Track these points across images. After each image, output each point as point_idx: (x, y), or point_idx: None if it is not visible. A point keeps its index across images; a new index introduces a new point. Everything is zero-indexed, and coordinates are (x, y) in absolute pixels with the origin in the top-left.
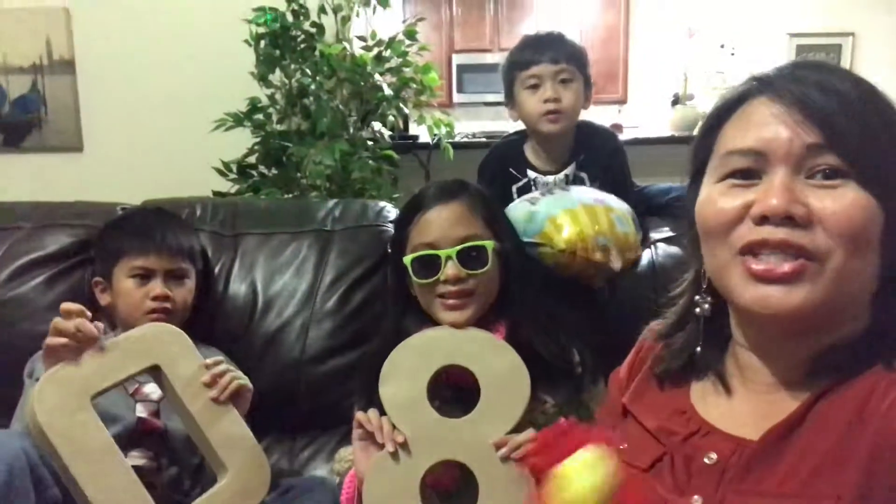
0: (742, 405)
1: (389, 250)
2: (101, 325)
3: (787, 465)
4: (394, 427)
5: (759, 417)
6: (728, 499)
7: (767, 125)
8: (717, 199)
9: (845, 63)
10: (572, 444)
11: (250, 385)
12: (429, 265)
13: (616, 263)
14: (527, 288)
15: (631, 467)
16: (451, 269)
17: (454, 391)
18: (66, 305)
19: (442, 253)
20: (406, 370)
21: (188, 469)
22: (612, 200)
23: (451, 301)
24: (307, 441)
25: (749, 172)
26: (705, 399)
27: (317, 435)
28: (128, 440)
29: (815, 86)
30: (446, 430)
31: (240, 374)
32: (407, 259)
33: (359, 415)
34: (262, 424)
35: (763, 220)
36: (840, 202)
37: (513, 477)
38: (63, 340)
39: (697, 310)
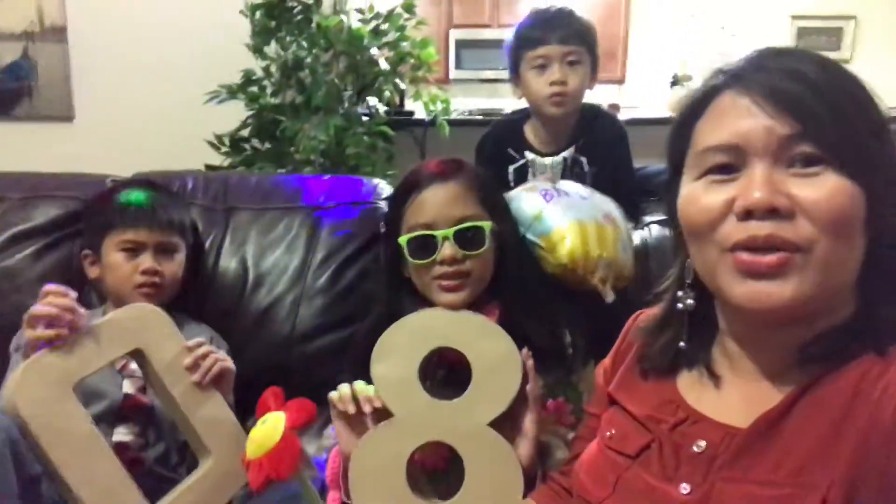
0: (731, 394)
1: (383, 230)
2: (83, 316)
3: (778, 452)
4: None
5: (748, 405)
6: (717, 487)
7: (741, 118)
8: (698, 196)
9: (846, 46)
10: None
11: (233, 367)
12: (425, 246)
13: (609, 296)
14: (521, 270)
15: (618, 454)
16: (447, 249)
17: (447, 371)
18: (48, 288)
19: (439, 233)
20: (399, 350)
21: (175, 445)
22: (621, 217)
23: (446, 283)
24: None
25: (728, 167)
26: (693, 388)
27: None
28: (115, 416)
29: (784, 73)
30: (436, 411)
31: (223, 355)
32: (402, 239)
33: (330, 395)
34: (251, 401)
35: (747, 214)
36: (821, 190)
37: (500, 460)
38: (39, 333)
39: (681, 305)
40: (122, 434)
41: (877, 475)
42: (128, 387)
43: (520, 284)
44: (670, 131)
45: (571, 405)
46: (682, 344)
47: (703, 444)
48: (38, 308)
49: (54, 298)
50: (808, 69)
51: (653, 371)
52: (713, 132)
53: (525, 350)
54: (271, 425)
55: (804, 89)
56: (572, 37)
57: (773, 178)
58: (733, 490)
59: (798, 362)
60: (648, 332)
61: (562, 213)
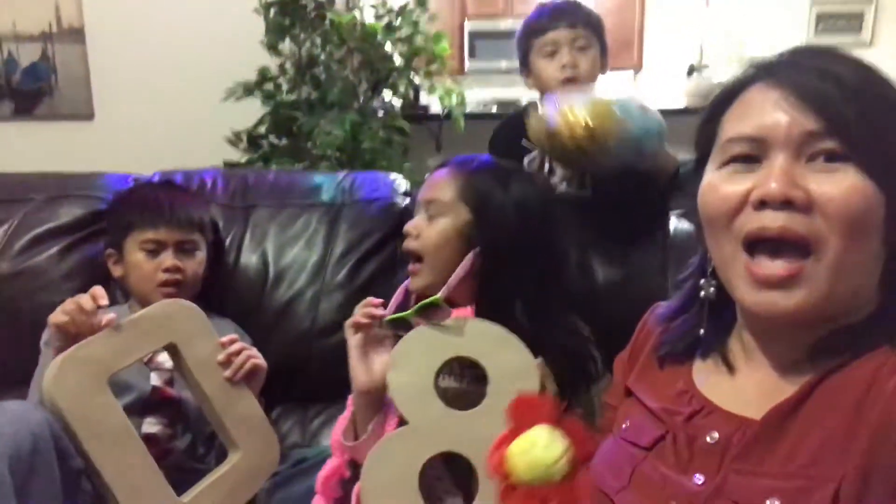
0: (745, 384)
1: None
2: (112, 316)
3: (790, 444)
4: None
5: (762, 397)
6: (730, 478)
7: (767, 112)
8: (718, 185)
9: (867, 32)
10: (540, 415)
11: (265, 364)
12: None
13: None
14: (507, 277)
15: (633, 446)
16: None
17: (470, 368)
18: (90, 292)
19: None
20: (415, 359)
21: (202, 436)
22: (599, 94)
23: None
24: (318, 410)
25: (750, 158)
26: (708, 378)
27: (328, 405)
28: (143, 408)
29: (814, 71)
30: (451, 421)
31: (255, 352)
32: None
33: (357, 318)
34: (273, 394)
35: (762, 204)
36: (839, 187)
37: None
38: (66, 318)
39: (703, 293)
40: (151, 425)
41: (889, 468)
42: (155, 379)
43: (499, 301)
44: (699, 122)
45: (582, 410)
46: (701, 331)
47: (716, 435)
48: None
49: (80, 299)
50: (840, 70)
51: (669, 358)
52: (739, 123)
53: (539, 360)
54: (558, 452)
55: (833, 88)
56: (580, 22)
57: (793, 171)
58: (746, 482)
59: (813, 355)
60: (668, 318)
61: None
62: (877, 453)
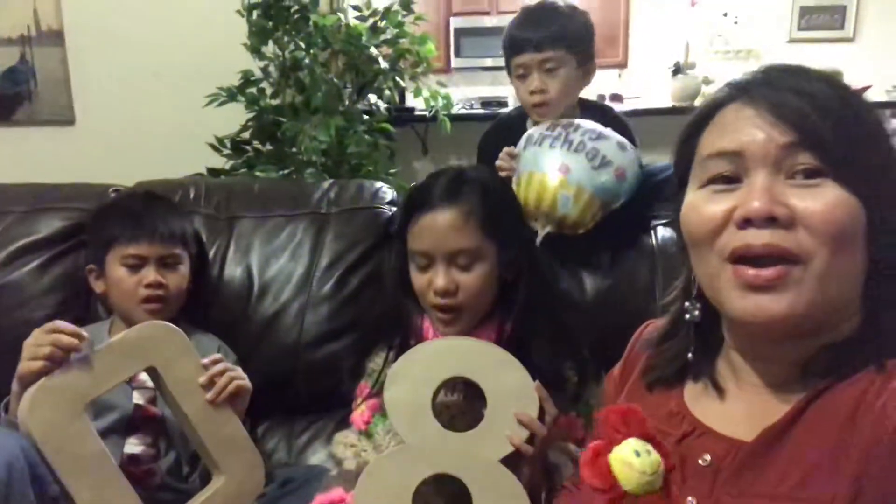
0: (736, 406)
1: (395, 227)
2: (86, 336)
3: (782, 466)
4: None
5: (752, 418)
6: (722, 500)
7: (742, 128)
8: (700, 205)
9: (849, 25)
10: (634, 427)
11: (249, 385)
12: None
13: (537, 239)
14: (530, 292)
15: None
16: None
17: (469, 385)
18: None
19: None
20: (413, 378)
21: (186, 455)
22: (579, 169)
23: (441, 315)
24: (305, 425)
25: (730, 177)
26: (699, 400)
27: (315, 419)
28: (126, 427)
29: (788, 89)
30: (447, 442)
31: (239, 372)
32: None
33: None
34: (260, 409)
35: (746, 223)
36: (821, 201)
37: (509, 497)
38: (39, 364)
39: (688, 316)
40: (133, 444)
41: (878, 490)
42: (137, 398)
43: (527, 306)
44: (676, 142)
45: (582, 419)
46: (689, 355)
47: (707, 457)
48: (32, 346)
49: (56, 338)
50: (814, 87)
51: (659, 382)
52: (715, 141)
53: (537, 382)
54: (657, 462)
55: (806, 102)
56: (548, 42)
57: (774, 188)
58: None
59: (802, 375)
60: (655, 343)
61: (523, 163)
62: (866, 474)
